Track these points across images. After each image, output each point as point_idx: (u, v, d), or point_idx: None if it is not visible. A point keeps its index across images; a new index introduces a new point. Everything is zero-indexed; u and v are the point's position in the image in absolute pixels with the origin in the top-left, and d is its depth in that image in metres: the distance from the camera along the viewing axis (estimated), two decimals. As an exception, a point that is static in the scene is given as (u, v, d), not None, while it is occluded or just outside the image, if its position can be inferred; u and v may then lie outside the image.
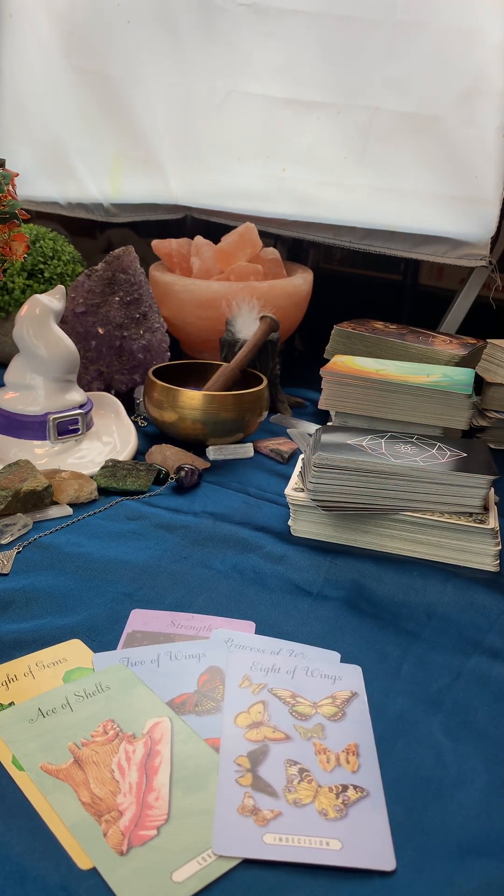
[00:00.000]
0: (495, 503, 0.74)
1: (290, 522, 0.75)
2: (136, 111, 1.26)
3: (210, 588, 0.65)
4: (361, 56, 1.12)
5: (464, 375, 0.93)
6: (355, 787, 0.45)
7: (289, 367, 1.24)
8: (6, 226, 0.93)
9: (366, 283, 1.60)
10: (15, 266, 1.12)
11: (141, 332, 1.03)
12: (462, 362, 1.04)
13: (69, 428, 0.87)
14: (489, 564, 0.70)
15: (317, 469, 0.71)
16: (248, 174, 1.24)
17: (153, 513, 0.77)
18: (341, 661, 0.56)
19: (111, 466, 0.82)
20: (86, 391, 0.93)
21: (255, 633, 0.59)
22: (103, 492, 0.81)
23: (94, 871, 0.39)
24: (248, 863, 0.40)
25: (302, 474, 0.76)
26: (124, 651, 0.56)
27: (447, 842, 0.42)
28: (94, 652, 0.56)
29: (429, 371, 0.94)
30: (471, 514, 0.70)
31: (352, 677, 0.54)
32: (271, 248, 1.22)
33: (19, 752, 0.46)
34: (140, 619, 0.60)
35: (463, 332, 1.21)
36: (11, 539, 0.70)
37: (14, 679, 0.52)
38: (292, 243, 1.55)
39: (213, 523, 0.75)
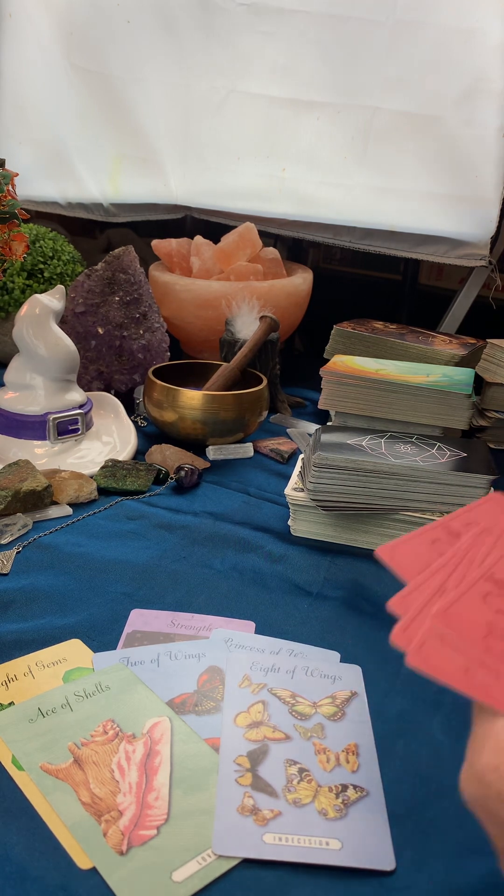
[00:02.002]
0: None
1: (289, 522, 0.75)
2: (137, 111, 1.26)
3: (210, 588, 0.65)
4: (361, 56, 1.12)
5: (464, 375, 0.93)
6: (355, 787, 0.45)
7: (289, 367, 1.24)
8: (6, 226, 0.93)
9: (366, 283, 1.60)
10: (15, 266, 1.12)
11: (141, 331, 1.03)
12: (462, 362, 1.04)
13: (69, 428, 0.87)
14: (489, 564, 0.70)
15: (317, 469, 0.71)
16: (247, 174, 1.24)
17: (153, 513, 0.77)
18: (341, 661, 0.56)
19: (111, 466, 0.82)
20: (86, 391, 0.93)
21: (255, 632, 0.59)
22: (103, 492, 0.81)
23: (94, 870, 0.39)
24: (247, 862, 0.40)
25: (302, 474, 0.76)
26: (124, 651, 0.56)
27: (447, 842, 0.42)
28: (94, 652, 0.56)
29: (429, 371, 0.94)
30: (471, 514, 0.70)
31: (352, 677, 0.54)
32: (271, 248, 1.22)
33: (19, 751, 0.46)
34: (140, 619, 0.60)
35: (463, 332, 1.21)
36: (11, 539, 0.70)
37: (14, 679, 0.52)
38: (292, 243, 1.55)
39: (212, 523, 0.75)
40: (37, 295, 0.87)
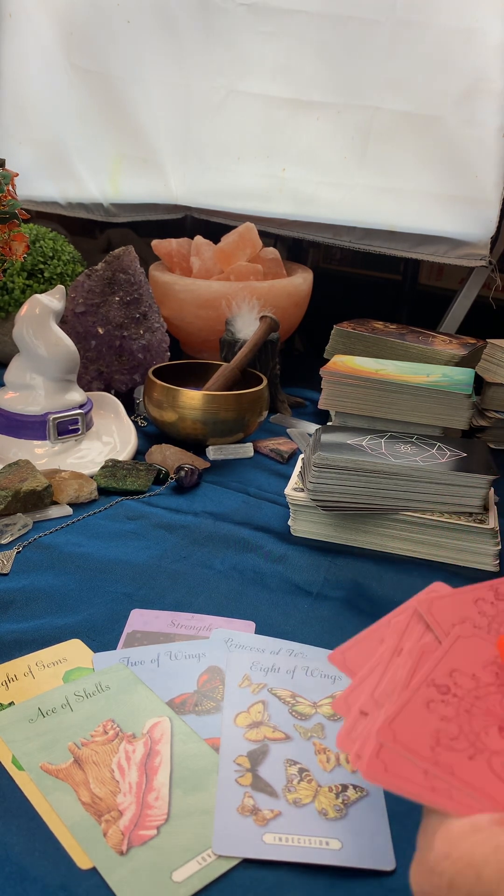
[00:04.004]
0: (495, 503, 0.74)
1: (290, 522, 0.75)
2: (137, 111, 1.26)
3: (210, 588, 0.65)
4: (361, 56, 1.12)
5: (464, 375, 0.93)
6: (355, 787, 0.45)
7: (289, 367, 1.24)
8: (6, 226, 0.93)
9: (366, 283, 1.60)
10: (15, 266, 1.12)
11: (141, 332, 1.03)
12: (462, 362, 1.04)
13: (69, 428, 0.87)
14: (489, 564, 0.70)
15: (317, 469, 0.71)
16: (248, 174, 1.24)
17: (153, 513, 0.77)
18: (341, 661, 0.56)
19: (111, 466, 0.82)
20: (86, 391, 0.93)
21: (255, 632, 0.59)
22: (103, 492, 0.81)
23: (94, 870, 0.39)
24: (247, 862, 0.40)
25: (302, 474, 0.76)
26: (124, 651, 0.56)
27: (447, 842, 0.42)
28: (94, 652, 0.56)
29: (429, 371, 0.94)
30: (471, 514, 0.70)
31: (352, 677, 0.54)
32: (271, 248, 1.22)
33: (19, 751, 0.46)
34: (140, 619, 0.60)
35: (463, 332, 1.21)
36: (11, 539, 0.70)
37: (14, 679, 0.52)
38: (292, 243, 1.55)
39: (213, 523, 0.75)
40: (37, 295, 0.87)
